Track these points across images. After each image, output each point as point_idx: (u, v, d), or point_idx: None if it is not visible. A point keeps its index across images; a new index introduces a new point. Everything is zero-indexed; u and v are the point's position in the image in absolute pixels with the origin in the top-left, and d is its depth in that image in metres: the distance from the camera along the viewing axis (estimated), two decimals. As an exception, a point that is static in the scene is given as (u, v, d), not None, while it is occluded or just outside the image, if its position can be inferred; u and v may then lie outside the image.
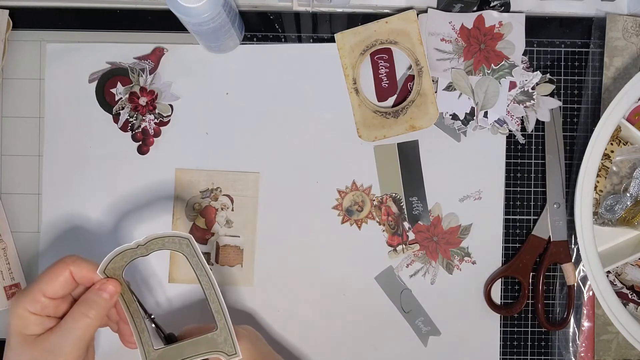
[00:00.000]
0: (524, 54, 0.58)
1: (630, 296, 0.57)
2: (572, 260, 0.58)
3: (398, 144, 0.59)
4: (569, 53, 0.60)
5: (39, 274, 0.44)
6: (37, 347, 0.42)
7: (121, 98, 0.58)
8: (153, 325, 0.45)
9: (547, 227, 0.58)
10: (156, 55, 0.58)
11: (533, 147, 0.59)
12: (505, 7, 0.59)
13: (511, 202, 0.59)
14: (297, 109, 0.59)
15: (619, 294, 0.56)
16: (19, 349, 0.42)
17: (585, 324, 0.58)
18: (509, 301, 0.60)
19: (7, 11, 0.58)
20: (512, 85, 0.58)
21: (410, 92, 0.58)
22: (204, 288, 0.45)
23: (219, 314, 0.44)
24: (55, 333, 0.42)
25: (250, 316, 0.59)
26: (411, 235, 0.59)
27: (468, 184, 0.59)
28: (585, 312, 0.58)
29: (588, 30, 0.60)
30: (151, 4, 0.59)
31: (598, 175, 0.56)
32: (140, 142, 0.58)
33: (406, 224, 0.59)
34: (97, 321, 0.43)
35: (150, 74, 0.58)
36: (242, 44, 0.59)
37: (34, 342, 0.42)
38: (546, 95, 0.59)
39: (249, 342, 0.47)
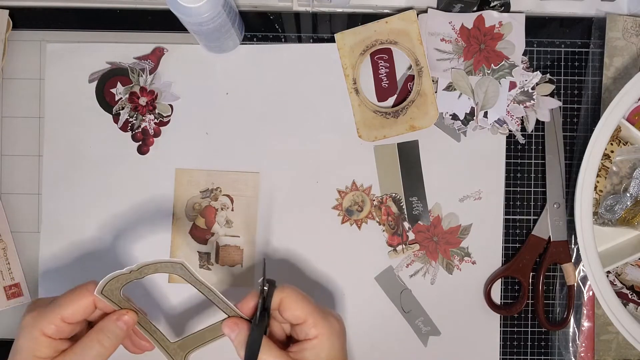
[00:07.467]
0: (524, 54, 0.58)
1: (630, 296, 0.57)
2: (572, 260, 0.58)
3: (398, 144, 0.59)
4: (569, 53, 0.60)
5: (60, 296, 0.43)
6: None
7: (121, 98, 0.58)
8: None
9: (547, 227, 0.58)
10: (156, 55, 0.58)
11: (533, 147, 0.59)
12: (505, 7, 0.59)
13: (511, 202, 0.59)
14: (297, 109, 0.59)
15: (619, 294, 0.56)
16: None
17: (585, 324, 0.58)
18: (509, 301, 0.59)
19: (7, 11, 0.58)
20: (512, 85, 0.58)
21: (410, 92, 0.58)
22: (207, 296, 0.45)
23: (226, 309, 0.45)
24: (68, 358, 0.42)
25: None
26: (411, 235, 0.59)
27: (468, 184, 0.59)
28: (585, 312, 0.58)
29: (588, 30, 0.60)
30: (151, 4, 0.59)
31: (598, 175, 0.55)
32: (140, 142, 0.58)
33: (406, 224, 0.59)
34: (111, 350, 0.43)
35: (150, 74, 0.58)
36: (242, 44, 0.59)
37: None
38: (546, 95, 0.59)
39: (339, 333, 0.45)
